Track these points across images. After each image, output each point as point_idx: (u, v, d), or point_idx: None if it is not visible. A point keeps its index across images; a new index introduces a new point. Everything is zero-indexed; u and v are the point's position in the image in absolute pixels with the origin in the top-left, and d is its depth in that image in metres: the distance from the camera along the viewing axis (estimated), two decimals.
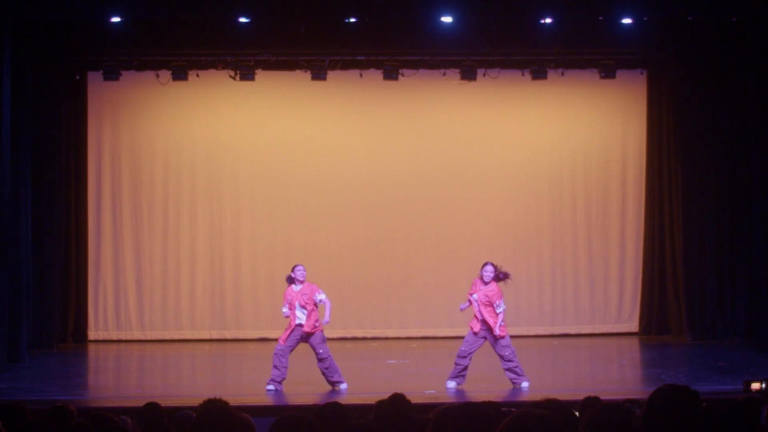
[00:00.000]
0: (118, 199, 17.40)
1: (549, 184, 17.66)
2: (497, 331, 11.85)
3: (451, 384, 11.94)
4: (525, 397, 11.35)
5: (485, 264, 12.12)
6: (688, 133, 16.79)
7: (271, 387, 11.80)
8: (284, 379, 11.86)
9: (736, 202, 16.48)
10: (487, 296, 11.94)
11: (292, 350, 11.97)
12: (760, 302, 15.32)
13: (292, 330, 11.90)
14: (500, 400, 10.75)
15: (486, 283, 11.99)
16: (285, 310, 12.04)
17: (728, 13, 15.25)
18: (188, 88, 16.88)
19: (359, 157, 17.50)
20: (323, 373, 11.97)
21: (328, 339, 12.30)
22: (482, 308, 11.92)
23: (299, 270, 12.00)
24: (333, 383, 11.95)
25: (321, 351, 11.90)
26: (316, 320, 11.98)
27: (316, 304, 11.97)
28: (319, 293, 11.98)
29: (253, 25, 14.95)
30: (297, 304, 11.89)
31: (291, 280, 12.05)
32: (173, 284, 17.42)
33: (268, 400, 11.36)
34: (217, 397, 6.40)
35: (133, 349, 16.80)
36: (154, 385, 13.49)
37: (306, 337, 11.94)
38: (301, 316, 11.91)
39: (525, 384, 11.85)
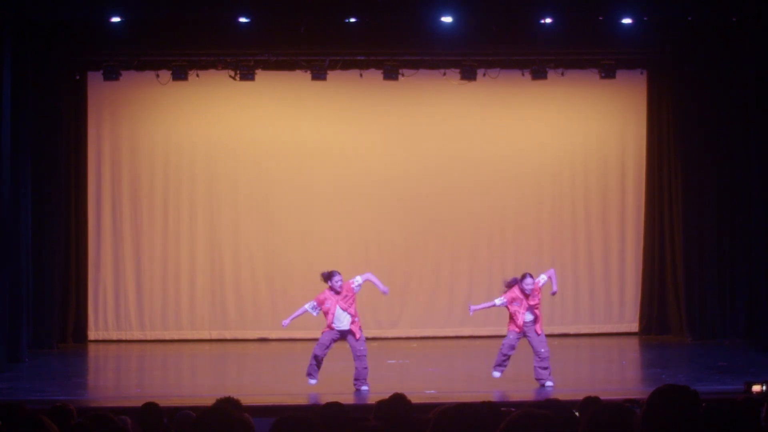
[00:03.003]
0: (118, 199, 17.39)
1: (549, 184, 17.64)
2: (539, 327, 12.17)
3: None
4: (524, 397, 11.34)
5: (525, 276, 12.16)
6: (688, 133, 16.78)
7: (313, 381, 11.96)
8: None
9: (736, 203, 16.47)
10: (533, 303, 12.13)
11: (327, 350, 12.02)
12: (760, 302, 15.31)
13: (331, 331, 11.97)
14: (500, 400, 10.76)
15: (527, 295, 12.09)
16: (311, 310, 12.04)
17: (728, 13, 15.25)
18: (188, 88, 16.88)
19: (359, 157, 17.48)
20: (357, 371, 11.92)
21: None
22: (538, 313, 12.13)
23: (337, 281, 11.96)
24: (360, 382, 11.93)
25: (362, 348, 11.94)
26: (359, 326, 12.07)
27: (354, 299, 12.04)
28: (353, 283, 12.06)
29: (253, 25, 14.95)
30: (338, 308, 11.92)
31: (330, 284, 12.00)
32: (173, 284, 17.41)
33: (268, 400, 11.35)
34: (232, 396, 6.40)
35: (133, 349, 16.79)
36: (154, 385, 13.47)
37: (344, 336, 12.00)
38: (343, 320, 11.95)
39: (549, 383, 11.96)
